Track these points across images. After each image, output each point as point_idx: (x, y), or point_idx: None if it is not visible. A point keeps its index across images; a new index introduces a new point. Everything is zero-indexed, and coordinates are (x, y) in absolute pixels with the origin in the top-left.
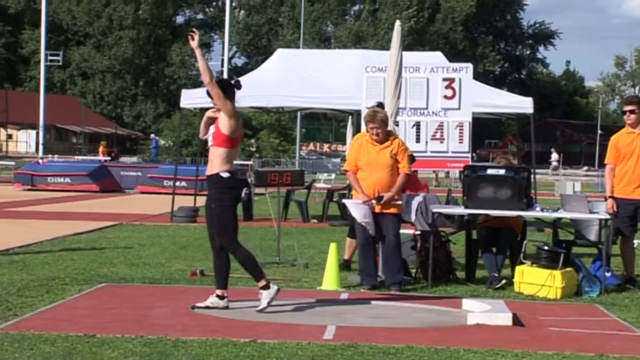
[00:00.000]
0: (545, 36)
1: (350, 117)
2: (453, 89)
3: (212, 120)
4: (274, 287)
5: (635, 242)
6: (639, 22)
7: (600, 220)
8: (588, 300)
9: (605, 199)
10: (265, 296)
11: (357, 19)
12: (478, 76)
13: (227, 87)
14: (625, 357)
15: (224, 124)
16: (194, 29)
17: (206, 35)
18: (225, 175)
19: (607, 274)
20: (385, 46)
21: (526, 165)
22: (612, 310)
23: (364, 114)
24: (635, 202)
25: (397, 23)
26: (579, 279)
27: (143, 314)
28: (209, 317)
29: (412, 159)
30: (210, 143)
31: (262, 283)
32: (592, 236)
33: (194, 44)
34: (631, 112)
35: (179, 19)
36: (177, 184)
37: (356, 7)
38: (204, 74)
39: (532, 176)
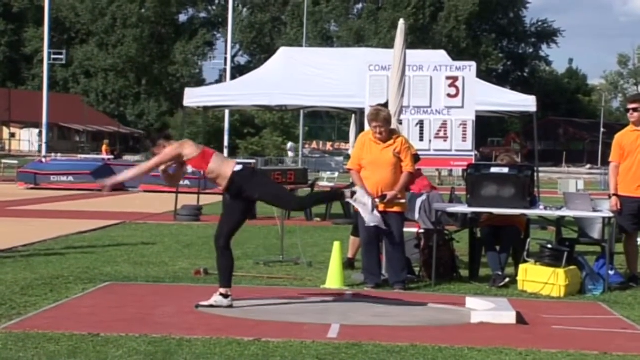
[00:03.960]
0: (548, 34)
1: (353, 115)
2: (456, 87)
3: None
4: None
5: (639, 239)
6: None
7: (604, 218)
8: (591, 298)
9: (609, 197)
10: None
11: (360, 17)
12: (481, 74)
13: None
14: (629, 355)
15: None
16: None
17: (209, 33)
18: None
19: (611, 272)
20: (388, 45)
21: (529, 164)
22: (615, 309)
23: (367, 112)
24: (639, 200)
25: (401, 21)
26: (583, 277)
27: (147, 313)
28: (213, 316)
29: (416, 158)
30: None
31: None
32: (596, 234)
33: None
34: (635, 110)
35: (183, 17)
36: (181, 182)
37: (359, 6)
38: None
39: (535, 174)
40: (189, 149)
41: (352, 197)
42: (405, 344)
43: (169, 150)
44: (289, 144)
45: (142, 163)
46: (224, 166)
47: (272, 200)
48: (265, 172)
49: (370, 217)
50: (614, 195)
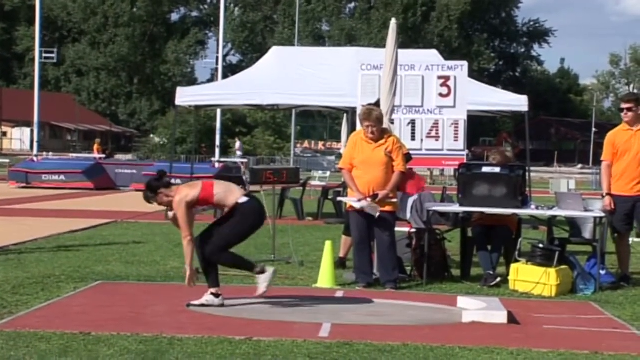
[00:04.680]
0: (540, 34)
1: (345, 114)
2: (448, 86)
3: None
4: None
5: (631, 239)
6: (637, 19)
7: (595, 218)
8: (583, 298)
9: (603, 197)
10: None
11: (352, 17)
12: (473, 74)
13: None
14: (619, 355)
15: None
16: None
17: (201, 32)
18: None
19: (602, 272)
20: (379, 44)
21: (521, 163)
22: (606, 308)
23: (359, 111)
24: (633, 198)
25: (393, 21)
26: (574, 276)
27: (138, 312)
28: (204, 315)
29: (408, 157)
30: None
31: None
32: (587, 234)
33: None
34: (629, 109)
35: (174, 17)
36: (172, 181)
37: (351, 5)
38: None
39: (527, 174)
40: (190, 195)
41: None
42: (397, 343)
43: (181, 212)
44: (237, 143)
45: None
46: (230, 196)
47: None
48: (252, 215)
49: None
50: (608, 194)
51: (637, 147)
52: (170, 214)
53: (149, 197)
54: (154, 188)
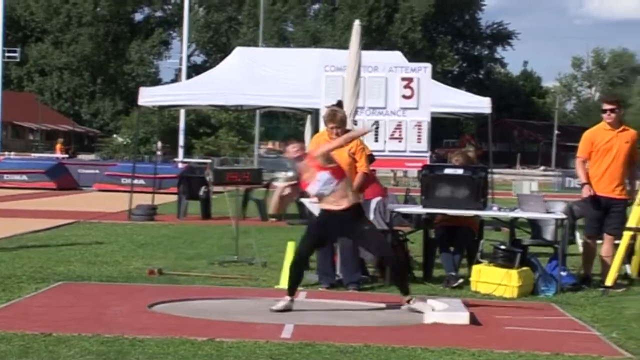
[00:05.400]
0: (503, 36)
1: (309, 116)
2: (411, 88)
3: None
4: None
5: (598, 241)
6: (600, 23)
7: (557, 219)
8: (544, 299)
9: (582, 186)
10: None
11: (316, 18)
12: (437, 76)
13: None
14: (580, 356)
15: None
16: None
17: (165, 32)
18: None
19: (563, 273)
20: (343, 46)
21: (484, 165)
22: (567, 310)
23: (322, 113)
24: (610, 200)
25: (356, 22)
26: (535, 278)
27: (100, 313)
28: (167, 316)
29: (371, 158)
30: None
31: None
32: (549, 236)
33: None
34: (612, 110)
35: (138, 16)
36: (136, 181)
37: (316, 6)
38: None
39: (489, 176)
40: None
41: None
42: (359, 344)
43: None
44: (158, 143)
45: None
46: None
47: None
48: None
49: None
50: (586, 183)
51: (617, 148)
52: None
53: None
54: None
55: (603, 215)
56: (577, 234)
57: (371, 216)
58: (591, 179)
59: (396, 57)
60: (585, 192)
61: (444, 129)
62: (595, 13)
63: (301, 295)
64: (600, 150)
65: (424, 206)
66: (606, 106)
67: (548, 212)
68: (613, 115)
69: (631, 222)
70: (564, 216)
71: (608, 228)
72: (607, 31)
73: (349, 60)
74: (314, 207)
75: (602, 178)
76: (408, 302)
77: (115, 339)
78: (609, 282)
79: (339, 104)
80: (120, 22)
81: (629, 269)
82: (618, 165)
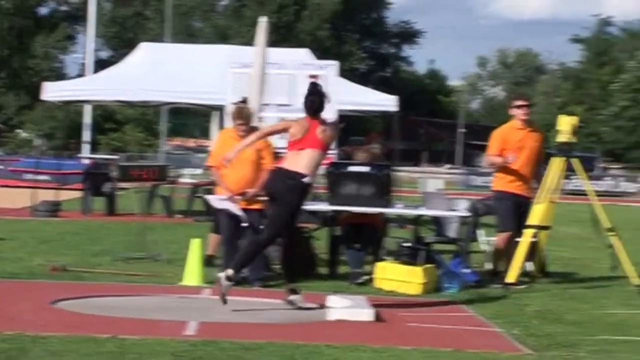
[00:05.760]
0: (409, 35)
1: (215, 112)
2: None
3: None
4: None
5: (491, 238)
6: (505, 22)
7: (460, 217)
8: (448, 296)
9: (507, 163)
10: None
11: (224, 14)
12: (344, 73)
13: None
14: (481, 352)
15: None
16: None
17: (70, 27)
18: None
19: (467, 270)
20: (250, 43)
21: (389, 162)
22: (470, 306)
23: (229, 109)
24: (520, 197)
25: (263, 19)
26: (439, 275)
27: (2, 309)
28: (70, 313)
29: (276, 155)
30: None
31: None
32: (452, 233)
33: None
34: (527, 107)
35: (43, 10)
36: (40, 177)
37: (224, 2)
38: None
39: (394, 173)
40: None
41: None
42: (263, 341)
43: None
44: (38, 140)
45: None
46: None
47: None
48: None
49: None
50: (498, 155)
51: (529, 147)
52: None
53: None
54: None
55: (519, 210)
56: (481, 232)
57: None
58: (503, 177)
59: (304, 54)
60: (509, 157)
61: (351, 127)
62: (500, 13)
63: (206, 292)
64: (513, 149)
65: (330, 203)
66: (522, 102)
67: (452, 210)
68: (528, 111)
69: (532, 220)
70: (467, 214)
71: (504, 225)
72: (512, 31)
73: (255, 57)
74: (220, 204)
75: (515, 176)
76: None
77: (17, 336)
78: (511, 279)
79: (244, 100)
80: (25, 15)
81: (530, 266)
82: (529, 164)
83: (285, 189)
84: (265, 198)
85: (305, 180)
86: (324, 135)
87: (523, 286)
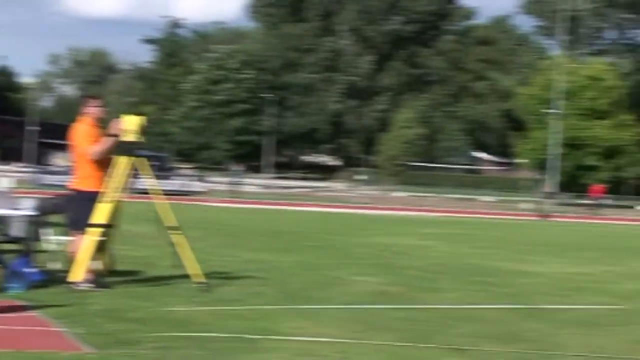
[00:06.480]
0: None
1: None
2: None
3: None
4: None
5: (61, 237)
6: (78, 20)
7: (25, 216)
8: (11, 296)
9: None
10: None
11: None
12: None
13: None
14: (41, 352)
15: None
16: None
17: None
18: None
19: (33, 270)
20: None
21: None
22: (34, 307)
23: None
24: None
25: None
26: (3, 275)
27: None
28: None
29: None
30: None
31: None
32: (18, 232)
33: None
34: (101, 105)
35: None
36: None
37: None
38: None
39: None
40: None
41: None
42: None
43: None
44: None
45: None
46: None
47: None
48: None
49: None
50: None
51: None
52: None
53: None
54: None
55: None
56: (50, 231)
57: None
58: (83, 177)
59: None
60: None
61: None
62: (72, 10)
63: None
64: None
65: None
66: (92, 101)
67: (16, 209)
68: (95, 110)
69: (98, 219)
70: (33, 212)
71: (80, 224)
72: (85, 29)
73: None
74: None
75: (92, 174)
76: None
77: None
78: (75, 278)
79: None
80: None
81: (97, 265)
82: (106, 162)
83: None
84: None
85: None
86: None
87: (88, 285)
